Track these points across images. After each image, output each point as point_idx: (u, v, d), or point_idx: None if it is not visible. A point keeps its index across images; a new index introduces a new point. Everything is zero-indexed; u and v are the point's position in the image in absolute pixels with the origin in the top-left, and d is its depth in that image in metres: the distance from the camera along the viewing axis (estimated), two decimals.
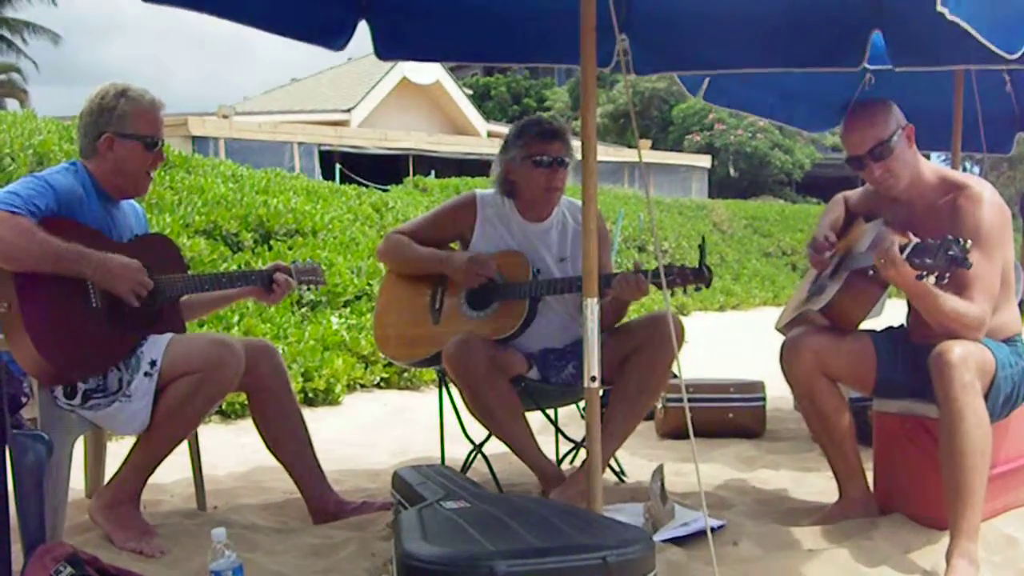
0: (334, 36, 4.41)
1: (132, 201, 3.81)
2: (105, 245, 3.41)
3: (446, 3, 4.51)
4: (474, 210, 4.21)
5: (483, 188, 4.38)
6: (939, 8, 2.64)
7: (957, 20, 2.71)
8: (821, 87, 5.91)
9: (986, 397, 3.26)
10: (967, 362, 3.19)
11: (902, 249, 3.06)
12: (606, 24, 3.12)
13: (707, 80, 5.71)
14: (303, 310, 8.54)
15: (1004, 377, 3.35)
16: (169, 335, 3.49)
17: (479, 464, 4.36)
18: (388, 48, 4.65)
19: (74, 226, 3.36)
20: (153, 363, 3.39)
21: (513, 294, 4.02)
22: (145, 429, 3.42)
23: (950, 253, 2.96)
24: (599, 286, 3.73)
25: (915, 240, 3.06)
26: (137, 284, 3.40)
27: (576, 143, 3.58)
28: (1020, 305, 3.78)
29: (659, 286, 3.52)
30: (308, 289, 3.99)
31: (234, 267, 8.59)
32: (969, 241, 2.98)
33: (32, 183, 3.33)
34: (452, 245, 4.30)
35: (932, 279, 3.01)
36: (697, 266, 3.80)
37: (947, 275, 3.00)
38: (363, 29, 4.51)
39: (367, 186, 15.81)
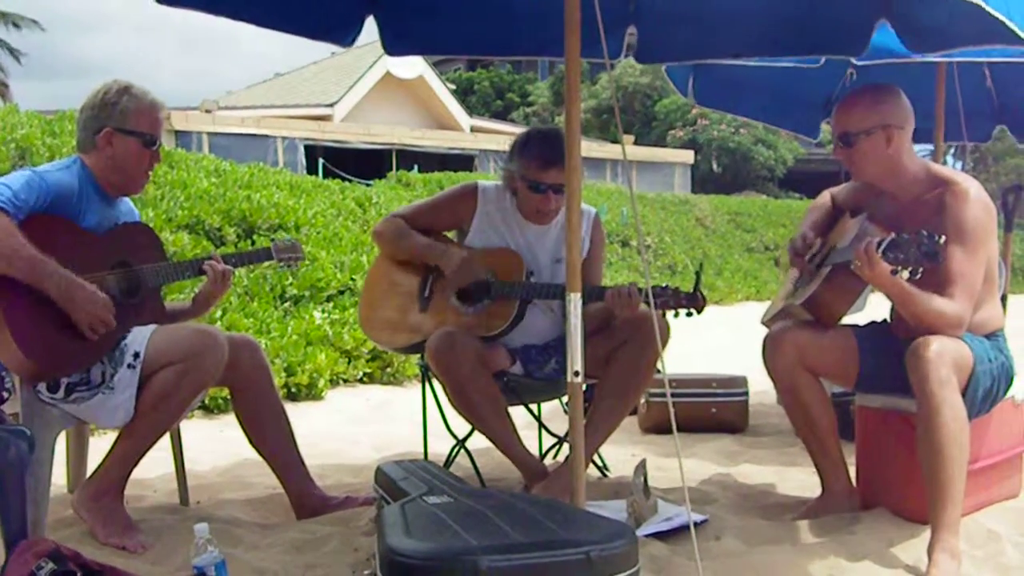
0: (342, 32, 4.42)
1: (131, 204, 3.81)
2: (84, 239, 3.40)
3: None
4: (475, 202, 4.19)
5: (472, 180, 4.36)
6: None
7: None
8: (805, 84, 5.92)
9: (964, 392, 3.28)
10: (943, 357, 3.20)
11: (878, 245, 3.07)
12: (613, 16, 3.10)
13: (692, 77, 5.71)
14: (286, 305, 8.52)
15: (983, 372, 3.36)
16: (152, 326, 3.49)
17: (462, 459, 4.36)
18: (396, 43, 4.64)
19: (57, 222, 3.35)
20: (136, 355, 3.38)
21: (504, 294, 4.01)
22: (129, 421, 3.41)
23: (923, 248, 2.97)
24: (592, 297, 3.75)
25: (891, 235, 3.08)
26: (98, 321, 3.33)
27: None
28: (1002, 300, 3.79)
29: (649, 305, 3.53)
30: (288, 266, 3.98)
31: None
32: (943, 237, 2.99)
33: (25, 177, 3.33)
34: (448, 234, 4.29)
35: (906, 274, 3.02)
36: (691, 291, 3.80)
37: (920, 270, 3.01)
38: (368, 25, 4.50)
39: (350, 181, 15.79)
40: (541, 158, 3.99)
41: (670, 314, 3.84)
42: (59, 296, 3.26)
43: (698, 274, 3.87)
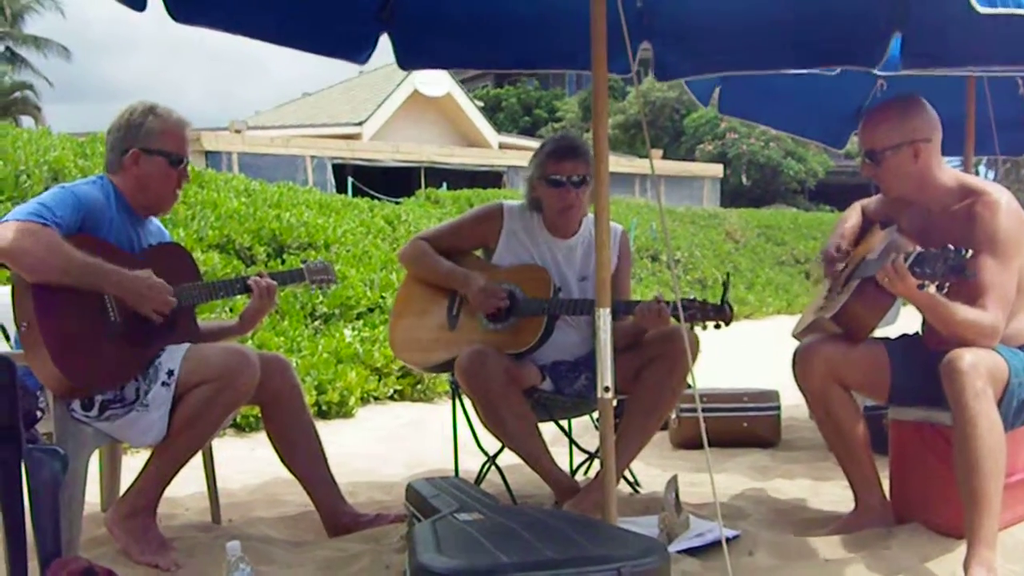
0: (357, 50, 4.43)
1: (159, 224, 3.84)
2: (121, 259, 3.41)
3: (466, 13, 4.51)
4: (500, 222, 4.21)
5: (496, 200, 4.37)
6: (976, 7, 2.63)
7: (992, 10, 2.67)
8: (833, 95, 5.89)
9: (999, 404, 3.24)
10: (978, 369, 3.17)
11: (905, 259, 3.05)
12: (626, 31, 3.09)
13: (718, 89, 5.70)
14: (316, 323, 8.55)
15: (1018, 383, 3.32)
16: (186, 345, 3.50)
17: (493, 476, 4.36)
18: (409, 59, 4.65)
19: (93, 242, 3.37)
20: (171, 373, 3.39)
21: (532, 310, 4.01)
22: (162, 439, 3.42)
23: (949, 263, 2.95)
24: (621, 311, 3.74)
25: (918, 249, 3.06)
26: (162, 303, 3.43)
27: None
28: None
29: (678, 319, 3.53)
30: (320, 288, 3.99)
31: None
32: (969, 251, 2.97)
33: (60, 195, 3.36)
34: (476, 253, 4.31)
35: (933, 288, 3.01)
36: (719, 303, 3.79)
37: (947, 284, 2.99)
38: (382, 41, 4.50)
39: (379, 199, 15.83)
40: (556, 152, 4.07)
41: (698, 328, 3.83)
42: (120, 291, 3.35)
43: (725, 285, 3.85)
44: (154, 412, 3.37)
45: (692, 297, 3.83)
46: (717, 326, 3.81)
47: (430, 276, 4.23)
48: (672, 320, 3.78)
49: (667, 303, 3.78)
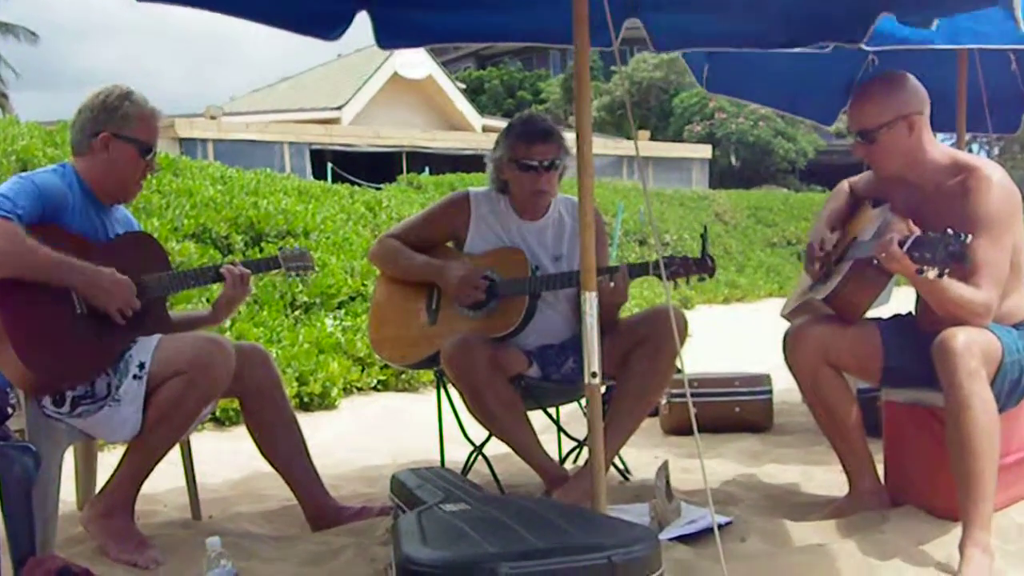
0: (331, 27, 4.29)
1: (127, 211, 3.77)
2: (87, 249, 3.36)
3: None
4: (468, 209, 4.16)
5: (478, 185, 4.33)
6: None
7: None
8: (823, 71, 5.82)
9: (993, 383, 3.22)
10: (971, 349, 3.15)
11: (902, 243, 3.00)
12: (613, 6, 3.03)
13: (706, 66, 5.64)
14: (296, 312, 8.48)
15: (1011, 363, 3.30)
16: (157, 336, 3.44)
17: (480, 466, 4.32)
18: (389, 37, 4.55)
19: (58, 233, 3.31)
20: (142, 365, 3.33)
21: (512, 291, 3.96)
22: (137, 434, 3.36)
23: (949, 248, 2.92)
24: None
25: (915, 233, 3.01)
26: (125, 303, 3.37)
27: (571, 136, 3.51)
28: None
29: (661, 278, 3.47)
30: (298, 275, 3.92)
31: None
32: (969, 236, 2.93)
33: (19, 184, 3.29)
34: (447, 244, 4.25)
35: (932, 273, 2.96)
36: (699, 256, 3.74)
37: (946, 270, 2.94)
38: (356, 22, 4.38)
39: (360, 185, 15.80)
40: (526, 135, 4.02)
41: (689, 313, 3.79)
42: (86, 287, 3.29)
43: (703, 237, 3.83)
44: (127, 407, 3.31)
45: (671, 255, 3.79)
46: (701, 279, 3.80)
47: (404, 273, 4.19)
48: (656, 281, 3.74)
49: (645, 265, 3.77)
